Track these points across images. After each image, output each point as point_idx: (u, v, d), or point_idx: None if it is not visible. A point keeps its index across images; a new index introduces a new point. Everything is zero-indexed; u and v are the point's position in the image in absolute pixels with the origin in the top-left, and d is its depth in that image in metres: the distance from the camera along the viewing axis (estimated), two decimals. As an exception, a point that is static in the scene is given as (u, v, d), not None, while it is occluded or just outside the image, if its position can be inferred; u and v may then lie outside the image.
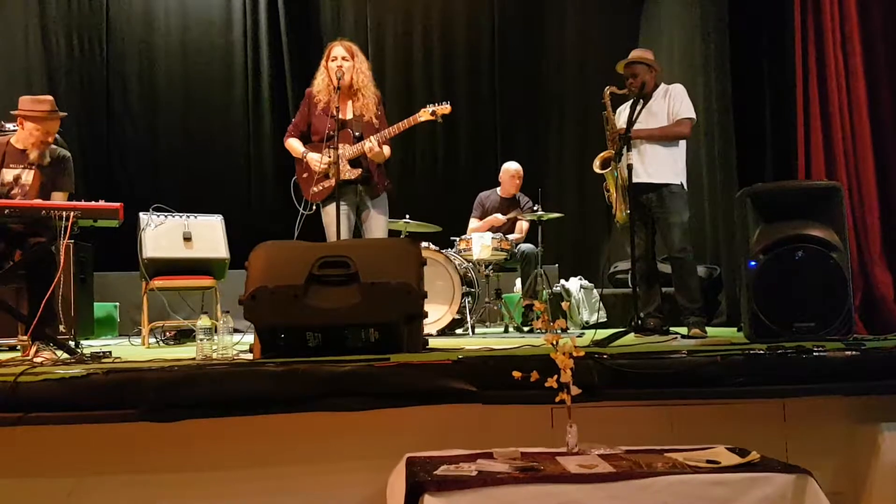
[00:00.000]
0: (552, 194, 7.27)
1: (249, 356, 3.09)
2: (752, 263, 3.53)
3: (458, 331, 5.40)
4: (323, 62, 4.31)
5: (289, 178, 4.39)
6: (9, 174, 3.79)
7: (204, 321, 3.22)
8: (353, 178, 4.20)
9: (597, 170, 4.40)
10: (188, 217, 5.13)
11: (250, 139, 7.56)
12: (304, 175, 4.30)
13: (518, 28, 7.95)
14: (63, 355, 3.24)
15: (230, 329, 3.30)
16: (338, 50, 4.25)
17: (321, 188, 4.23)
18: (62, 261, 3.33)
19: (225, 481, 2.67)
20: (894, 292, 4.36)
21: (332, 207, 4.12)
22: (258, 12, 7.59)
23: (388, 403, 2.62)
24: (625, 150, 4.15)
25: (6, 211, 3.42)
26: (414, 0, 7.88)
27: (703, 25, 6.07)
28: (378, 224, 4.30)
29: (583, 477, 2.10)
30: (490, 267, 5.80)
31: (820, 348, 2.84)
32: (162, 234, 4.99)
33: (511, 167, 6.18)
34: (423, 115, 4.25)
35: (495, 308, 6.12)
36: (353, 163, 4.21)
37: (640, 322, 4.09)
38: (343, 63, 4.20)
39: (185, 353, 3.60)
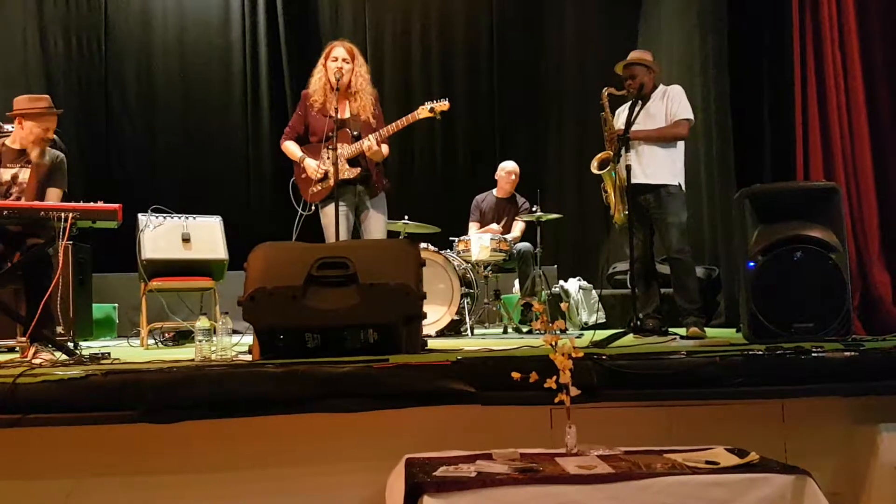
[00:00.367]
0: (551, 195, 7.28)
1: (248, 357, 3.09)
2: (751, 264, 3.53)
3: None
4: (321, 61, 4.30)
5: (287, 179, 4.39)
6: (6, 173, 3.80)
7: (203, 322, 3.22)
8: (352, 177, 4.19)
9: (594, 171, 4.40)
10: (187, 218, 5.13)
11: (249, 140, 7.56)
12: (303, 176, 4.29)
13: (517, 28, 7.95)
14: (62, 357, 3.24)
15: (229, 330, 3.30)
16: (339, 51, 4.24)
17: (320, 188, 4.23)
18: (60, 262, 3.32)
19: (224, 482, 2.67)
20: (893, 293, 4.37)
21: (330, 208, 4.12)
22: (256, 12, 7.58)
23: (387, 404, 2.63)
24: (623, 151, 4.15)
25: (4, 212, 3.41)
26: (412, 0, 7.89)
27: (701, 26, 6.07)
28: (377, 224, 4.29)
29: (582, 478, 2.10)
30: (489, 268, 5.80)
31: (818, 349, 2.84)
32: (161, 236, 4.98)
33: (507, 166, 6.18)
34: (422, 112, 4.25)
35: (494, 309, 6.12)
36: (352, 162, 4.20)
37: (638, 323, 4.10)
38: (343, 65, 4.20)
39: (183, 354, 3.60)
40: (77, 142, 6.71)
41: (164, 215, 5.01)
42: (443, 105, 4.25)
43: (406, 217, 5.68)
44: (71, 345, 3.54)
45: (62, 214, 3.41)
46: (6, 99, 3.93)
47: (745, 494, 2.10)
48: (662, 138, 4.28)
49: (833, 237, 3.47)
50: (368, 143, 4.15)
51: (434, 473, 2.14)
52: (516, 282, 6.01)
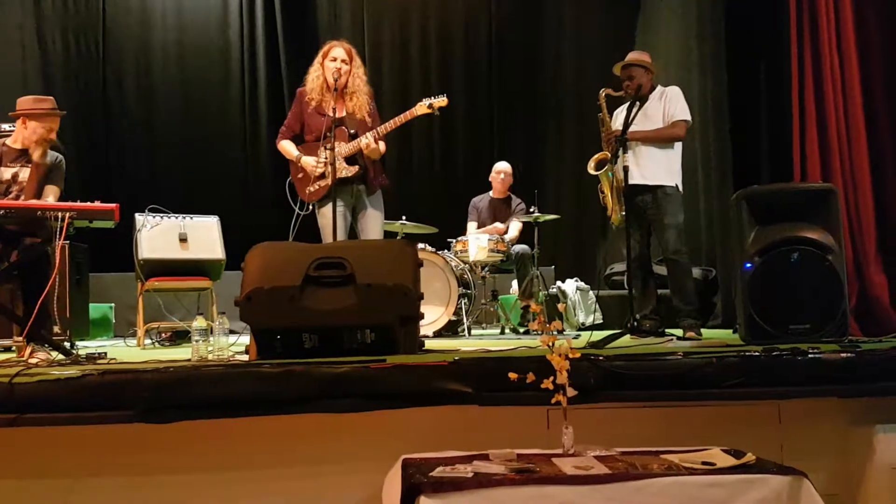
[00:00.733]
0: (549, 196, 7.30)
1: (245, 357, 3.09)
2: (748, 265, 3.53)
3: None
4: (318, 59, 4.30)
5: (285, 179, 4.39)
6: (7, 172, 3.81)
7: (200, 322, 3.22)
8: (350, 175, 4.19)
9: (592, 171, 4.41)
10: (184, 218, 5.12)
11: (246, 140, 7.54)
12: (300, 175, 4.29)
13: (516, 29, 7.94)
14: (58, 356, 3.24)
15: (226, 330, 3.30)
16: (338, 51, 4.24)
17: (317, 187, 4.22)
18: (57, 261, 3.32)
19: (220, 483, 2.67)
20: (889, 294, 4.37)
21: (327, 208, 4.12)
22: (255, 12, 7.57)
23: (384, 405, 2.62)
24: (620, 152, 4.15)
25: (1, 211, 3.41)
26: (411, 0, 7.89)
27: (698, 27, 6.08)
28: (374, 222, 4.29)
29: (578, 478, 2.11)
30: (486, 268, 5.80)
31: (815, 350, 2.85)
32: (158, 235, 4.97)
33: (497, 166, 6.21)
34: (420, 108, 4.25)
35: (492, 309, 6.13)
36: (350, 160, 4.20)
37: (635, 324, 4.10)
38: (343, 66, 4.20)
39: (180, 354, 3.59)
40: (75, 142, 6.69)
41: (162, 215, 5.01)
42: (441, 101, 4.25)
43: (404, 217, 5.68)
44: (67, 344, 3.53)
45: (59, 214, 3.41)
46: (3, 99, 3.94)
47: (742, 495, 2.10)
48: (660, 139, 4.28)
49: (830, 238, 3.47)
50: (366, 140, 4.15)
51: (431, 474, 2.14)
52: (514, 282, 6.01)
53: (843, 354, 2.83)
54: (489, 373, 2.66)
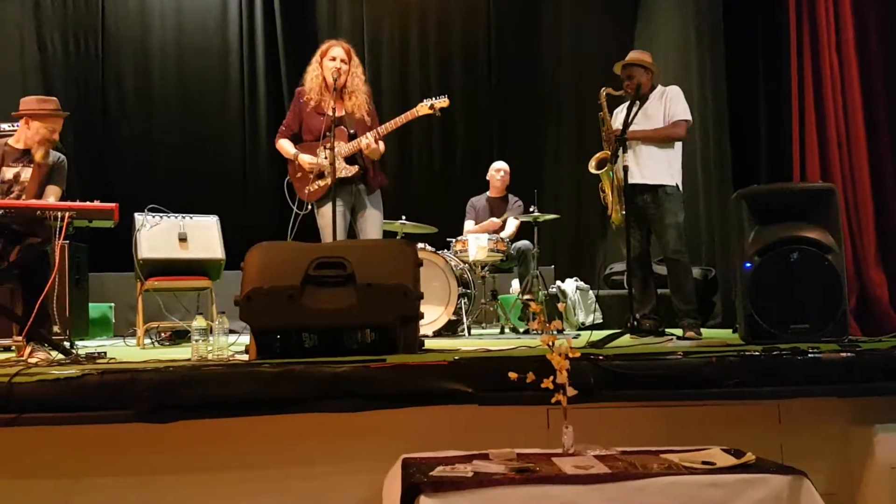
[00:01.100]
0: (548, 195, 7.30)
1: (245, 357, 3.08)
2: (748, 265, 3.53)
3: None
4: (317, 59, 4.29)
5: (284, 179, 4.39)
6: (9, 172, 3.82)
7: (199, 322, 3.21)
8: (350, 175, 4.19)
9: (592, 171, 4.41)
10: (184, 217, 5.12)
11: (246, 140, 7.54)
12: (298, 175, 4.29)
13: (515, 29, 7.94)
14: (58, 356, 3.23)
15: (226, 330, 3.29)
16: (337, 51, 4.24)
17: (316, 187, 4.22)
18: (57, 261, 3.32)
19: (220, 482, 2.66)
20: (889, 294, 4.37)
21: (326, 208, 4.12)
22: (254, 12, 7.57)
23: (383, 405, 2.62)
24: (620, 152, 4.15)
25: (1, 211, 3.41)
26: (411, 0, 7.88)
27: (698, 26, 6.08)
28: (374, 221, 4.29)
29: (578, 478, 2.10)
30: (486, 268, 5.80)
31: (815, 350, 2.85)
32: (157, 235, 4.97)
33: (497, 164, 6.22)
34: (422, 109, 4.25)
35: (491, 309, 6.13)
36: (349, 160, 4.20)
37: (635, 323, 4.09)
38: (342, 66, 4.20)
39: (180, 354, 3.59)
40: (74, 141, 6.69)
41: (161, 215, 5.01)
42: (442, 102, 4.25)
43: (403, 217, 5.68)
44: (67, 344, 3.53)
45: (59, 213, 3.41)
46: (3, 99, 3.94)
47: (742, 495, 2.10)
48: (660, 139, 4.28)
49: (830, 238, 3.47)
50: (366, 140, 4.15)
51: (431, 473, 2.14)
52: (514, 281, 6.01)
53: (843, 354, 2.83)
54: (489, 372, 2.66)
